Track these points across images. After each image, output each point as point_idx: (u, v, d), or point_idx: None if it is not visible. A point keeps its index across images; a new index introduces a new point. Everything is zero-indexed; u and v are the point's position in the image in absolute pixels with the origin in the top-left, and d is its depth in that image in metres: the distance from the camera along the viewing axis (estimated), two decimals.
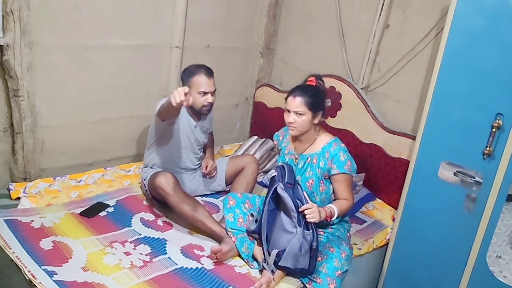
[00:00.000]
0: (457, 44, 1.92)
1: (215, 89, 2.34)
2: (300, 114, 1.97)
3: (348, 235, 2.14)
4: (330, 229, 2.08)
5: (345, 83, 2.80)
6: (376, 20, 2.66)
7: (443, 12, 2.33)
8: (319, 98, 2.01)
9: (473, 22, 1.87)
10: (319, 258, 1.92)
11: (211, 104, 2.34)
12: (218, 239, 2.07)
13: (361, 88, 2.79)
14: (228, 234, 2.03)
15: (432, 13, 2.43)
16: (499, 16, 1.79)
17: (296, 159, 2.11)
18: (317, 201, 2.04)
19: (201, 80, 2.27)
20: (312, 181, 2.04)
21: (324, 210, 1.91)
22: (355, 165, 2.05)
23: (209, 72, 2.31)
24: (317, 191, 2.04)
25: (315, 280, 1.87)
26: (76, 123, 2.55)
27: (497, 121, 1.82)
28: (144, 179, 2.41)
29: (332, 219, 1.95)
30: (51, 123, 2.43)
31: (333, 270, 1.88)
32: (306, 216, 1.82)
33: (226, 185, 2.56)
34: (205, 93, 2.29)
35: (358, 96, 2.74)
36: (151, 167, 2.42)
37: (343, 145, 2.06)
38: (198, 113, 2.40)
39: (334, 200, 2.06)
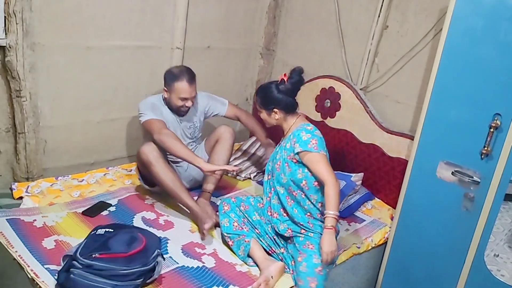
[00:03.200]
0: (456, 45, 1.94)
1: (195, 95, 2.41)
2: (259, 111, 2.12)
3: None
4: (311, 225, 2.02)
5: (344, 83, 2.81)
6: (375, 21, 2.68)
7: (442, 13, 2.35)
8: (264, 95, 2.07)
9: (471, 23, 1.88)
10: (299, 258, 1.93)
11: (188, 109, 2.41)
12: (194, 214, 2.19)
13: (360, 89, 2.80)
14: (224, 239, 2.09)
15: (430, 14, 2.44)
16: (497, 17, 1.81)
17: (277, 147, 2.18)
18: (284, 183, 2.03)
19: (183, 87, 2.32)
20: (280, 162, 2.05)
21: (327, 230, 1.84)
22: (323, 143, 1.99)
23: (192, 78, 2.35)
24: (284, 172, 2.02)
25: (297, 282, 1.88)
26: (78, 123, 2.56)
27: (495, 121, 1.83)
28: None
29: (338, 216, 1.87)
30: (53, 123, 2.45)
31: (313, 267, 1.88)
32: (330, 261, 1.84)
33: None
34: (185, 99, 2.35)
35: (357, 97, 2.75)
36: None
37: (310, 127, 2.01)
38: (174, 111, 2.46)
39: (309, 189, 2.02)
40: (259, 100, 2.10)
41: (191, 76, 2.35)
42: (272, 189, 2.13)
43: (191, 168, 2.48)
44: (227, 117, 2.67)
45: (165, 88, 2.37)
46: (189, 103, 2.37)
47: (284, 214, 2.08)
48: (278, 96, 2.03)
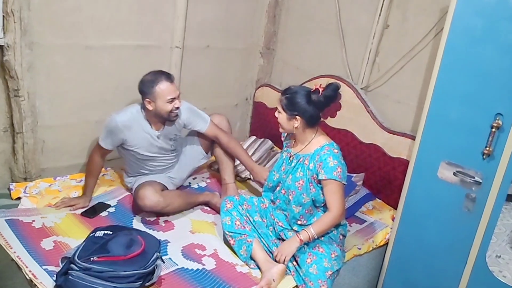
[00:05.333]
0: (457, 45, 1.93)
1: (180, 92, 2.27)
2: (278, 111, 2.01)
3: (341, 237, 2.10)
4: None
5: (344, 83, 2.80)
6: (375, 21, 2.67)
7: (443, 12, 2.34)
8: (292, 99, 1.95)
9: (472, 23, 1.87)
10: (308, 260, 1.92)
11: (178, 109, 2.26)
12: (207, 203, 2.43)
13: (361, 88, 2.79)
14: (225, 237, 2.08)
15: (431, 13, 2.43)
16: (499, 17, 1.80)
17: (291, 157, 2.10)
18: (305, 203, 2.01)
19: (166, 88, 2.17)
20: (303, 182, 2.00)
21: (296, 237, 1.93)
22: (346, 172, 1.98)
23: (169, 77, 2.21)
24: (307, 192, 2.00)
25: (307, 283, 1.87)
26: (76, 123, 2.55)
27: (496, 121, 1.83)
28: (131, 189, 2.39)
29: (313, 238, 1.94)
30: (51, 123, 2.43)
31: (324, 271, 1.88)
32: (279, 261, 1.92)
33: (207, 153, 2.62)
34: (172, 99, 2.21)
35: (357, 96, 2.74)
36: (133, 176, 2.42)
37: (336, 150, 1.98)
38: (163, 121, 2.31)
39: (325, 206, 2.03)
40: (284, 101, 1.96)
41: (168, 75, 2.22)
42: (278, 200, 2.13)
43: (176, 170, 2.51)
44: (207, 135, 2.49)
45: (148, 99, 2.18)
46: (178, 103, 2.23)
47: (290, 225, 2.09)
48: (307, 105, 1.93)
